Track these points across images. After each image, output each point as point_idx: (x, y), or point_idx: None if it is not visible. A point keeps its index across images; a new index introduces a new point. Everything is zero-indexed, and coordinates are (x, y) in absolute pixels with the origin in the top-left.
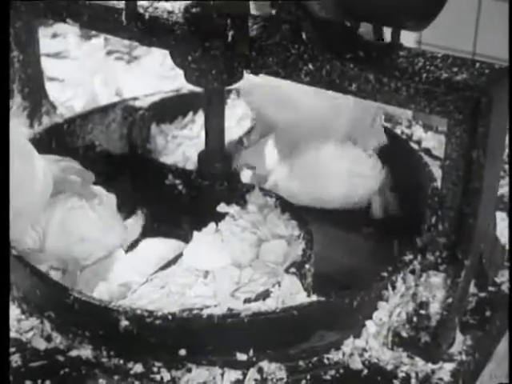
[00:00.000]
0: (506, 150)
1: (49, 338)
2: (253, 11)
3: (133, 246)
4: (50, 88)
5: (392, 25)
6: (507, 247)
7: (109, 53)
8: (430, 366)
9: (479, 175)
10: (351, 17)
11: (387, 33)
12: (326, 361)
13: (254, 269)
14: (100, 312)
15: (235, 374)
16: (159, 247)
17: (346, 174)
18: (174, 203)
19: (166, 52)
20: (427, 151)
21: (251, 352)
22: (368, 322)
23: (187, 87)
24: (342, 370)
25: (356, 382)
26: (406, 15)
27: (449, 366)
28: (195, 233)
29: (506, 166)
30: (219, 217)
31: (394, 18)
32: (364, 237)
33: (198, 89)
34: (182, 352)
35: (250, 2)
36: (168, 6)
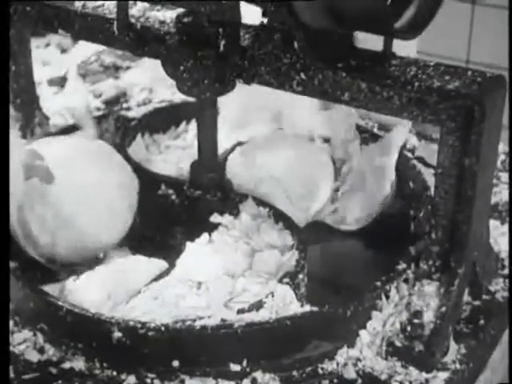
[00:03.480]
0: (501, 157)
1: (41, 350)
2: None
3: None
4: (43, 99)
5: (383, 33)
6: (501, 255)
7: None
8: (424, 375)
9: (472, 183)
10: (343, 26)
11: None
12: (319, 371)
13: (247, 279)
14: (93, 324)
15: None
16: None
17: None
18: (167, 213)
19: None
20: (421, 159)
21: (245, 362)
22: (362, 332)
23: (180, 97)
24: (335, 380)
25: None
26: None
27: (443, 375)
28: (188, 243)
29: (500, 174)
30: (212, 227)
31: (385, 26)
32: (359, 245)
33: (190, 99)
34: (176, 363)
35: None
36: (160, 15)
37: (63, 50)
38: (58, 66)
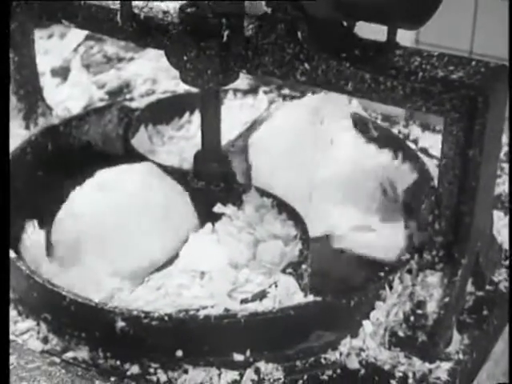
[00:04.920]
0: (505, 149)
1: (45, 340)
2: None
3: None
4: (46, 89)
5: (388, 23)
6: (504, 246)
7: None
8: (428, 365)
9: (476, 174)
10: (347, 16)
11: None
12: (323, 361)
13: (250, 269)
14: (96, 313)
15: (232, 375)
16: None
17: None
18: None
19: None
20: (424, 150)
21: (248, 352)
22: (365, 322)
23: (184, 88)
24: (339, 370)
25: (353, 382)
26: (401, 14)
27: (446, 366)
28: (191, 233)
29: (503, 165)
30: (216, 217)
31: (390, 16)
32: None
33: (194, 89)
34: (179, 353)
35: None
36: (163, 6)
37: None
38: (60, 56)
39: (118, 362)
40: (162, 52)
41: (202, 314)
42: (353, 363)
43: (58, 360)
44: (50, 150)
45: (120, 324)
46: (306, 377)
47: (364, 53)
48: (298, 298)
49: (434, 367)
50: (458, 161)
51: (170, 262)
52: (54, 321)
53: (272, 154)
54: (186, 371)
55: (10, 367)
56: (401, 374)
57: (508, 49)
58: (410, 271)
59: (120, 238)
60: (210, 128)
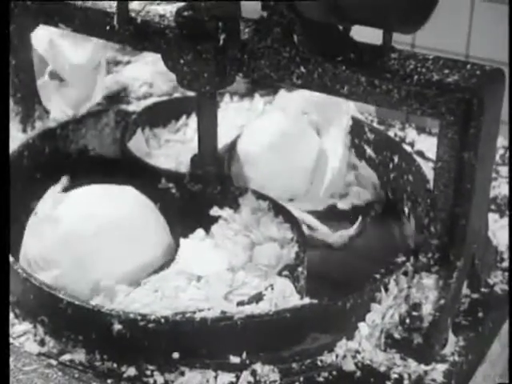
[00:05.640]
0: (500, 151)
1: (42, 342)
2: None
3: None
4: (43, 92)
5: (384, 27)
6: (499, 248)
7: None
8: (423, 367)
9: (471, 176)
10: (343, 19)
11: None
12: (319, 363)
13: (246, 272)
14: (93, 316)
15: (228, 377)
16: None
17: None
18: (167, 207)
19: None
20: (420, 153)
21: (244, 355)
22: (361, 324)
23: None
24: (335, 372)
25: None
26: (397, 17)
27: (442, 367)
28: (183, 239)
29: (498, 168)
30: (212, 220)
31: (386, 20)
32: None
33: (190, 92)
34: (175, 355)
35: (241, 5)
36: (160, 9)
37: None
38: None
39: (115, 365)
40: (159, 56)
41: (198, 316)
42: (348, 365)
43: (54, 362)
44: (47, 153)
45: (117, 326)
46: (302, 379)
47: (360, 56)
48: (294, 300)
49: (430, 369)
50: (453, 163)
51: (166, 264)
52: (50, 323)
53: (259, 157)
54: (182, 373)
55: None
56: (396, 376)
57: (508, 52)
58: (405, 273)
59: (118, 239)
60: (207, 131)
